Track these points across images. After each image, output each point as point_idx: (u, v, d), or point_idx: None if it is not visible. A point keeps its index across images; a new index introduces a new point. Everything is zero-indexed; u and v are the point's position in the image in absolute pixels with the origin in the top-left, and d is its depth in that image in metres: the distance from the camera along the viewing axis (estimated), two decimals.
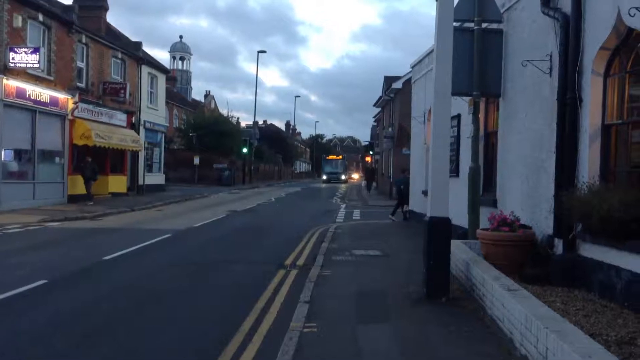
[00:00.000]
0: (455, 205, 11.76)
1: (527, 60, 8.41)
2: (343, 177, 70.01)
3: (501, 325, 5.76)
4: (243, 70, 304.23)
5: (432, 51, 9.73)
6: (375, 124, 54.86)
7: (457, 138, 12.93)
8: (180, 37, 73.36)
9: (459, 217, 11.40)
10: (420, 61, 17.39)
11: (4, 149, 19.49)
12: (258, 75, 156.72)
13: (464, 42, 9.58)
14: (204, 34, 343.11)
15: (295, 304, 7.41)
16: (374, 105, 45.99)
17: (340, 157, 79.54)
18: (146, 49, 33.13)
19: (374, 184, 43.34)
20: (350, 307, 7.32)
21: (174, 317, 7.13)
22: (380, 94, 40.37)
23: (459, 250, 8.61)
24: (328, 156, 79.59)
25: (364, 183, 47.09)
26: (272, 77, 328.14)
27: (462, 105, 11.43)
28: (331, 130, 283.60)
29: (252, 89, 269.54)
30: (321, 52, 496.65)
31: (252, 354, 5.77)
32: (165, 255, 11.94)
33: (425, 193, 13.76)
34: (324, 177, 69.62)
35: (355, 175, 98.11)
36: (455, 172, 12.89)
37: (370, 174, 45.40)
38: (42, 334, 6.32)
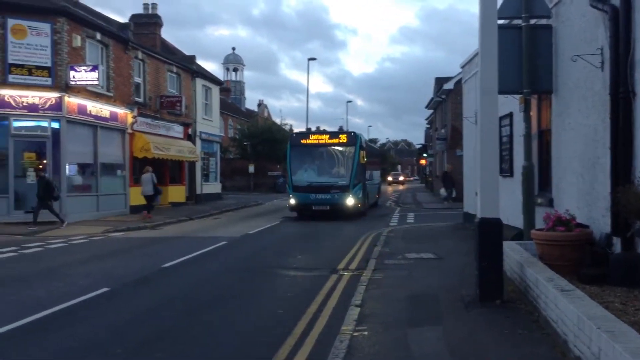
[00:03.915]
0: (510, 206, 11.61)
1: (578, 55, 8.20)
2: (350, 199, 21.58)
3: (555, 327, 5.64)
4: (286, 78, 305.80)
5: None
6: (429, 126, 54.33)
7: (510, 137, 12.71)
8: (233, 48, 75.03)
9: (514, 217, 11.21)
10: (469, 61, 17.16)
11: (68, 164, 20.42)
12: (303, 82, 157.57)
13: (512, 39, 9.44)
14: (244, 44, 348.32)
15: (346, 307, 7.47)
16: (426, 107, 45.58)
17: (344, 137, 22.94)
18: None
19: (454, 192, 30.02)
20: (401, 310, 7.31)
21: (229, 323, 7.31)
22: (432, 96, 40.00)
23: (512, 251, 8.46)
24: (303, 138, 23.60)
25: (442, 191, 31.76)
26: (316, 83, 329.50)
27: (514, 103, 11.24)
28: (381, 134, 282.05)
29: (297, 95, 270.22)
30: (362, 56, 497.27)
31: (304, 356, 5.86)
32: (221, 262, 12.23)
33: (477, 194, 13.58)
34: (292, 201, 22.33)
35: (401, 177, 79.39)
36: (509, 171, 12.68)
37: (448, 179, 30.79)
38: (102, 340, 6.60)
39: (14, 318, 7.36)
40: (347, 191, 21.37)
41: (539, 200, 10.22)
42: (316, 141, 22.92)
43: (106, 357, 6.00)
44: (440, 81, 35.60)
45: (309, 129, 41.01)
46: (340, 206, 21.33)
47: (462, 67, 18.75)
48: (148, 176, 21.87)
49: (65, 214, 19.48)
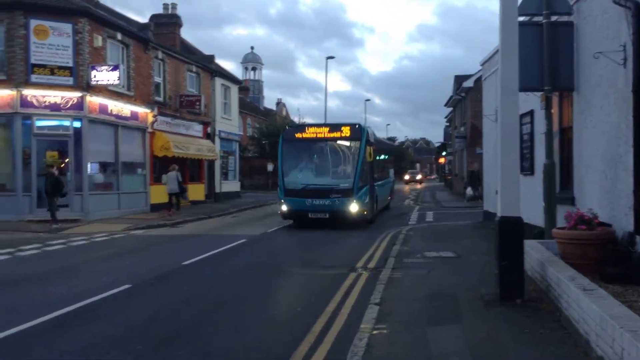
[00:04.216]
0: (531, 204, 11.50)
1: (600, 52, 8.09)
2: (354, 205, 17.84)
3: (577, 327, 5.58)
4: (303, 76, 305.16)
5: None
6: (448, 124, 53.97)
7: (531, 135, 12.59)
8: (252, 47, 74.94)
9: (535, 216, 11.10)
10: (489, 58, 17.04)
11: (90, 162, 20.68)
12: (321, 80, 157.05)
13: (532, 36, 9.34)
14: (261, 43, 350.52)
15: (365, 306, 7.46)
16: (445, 105, 45.29)
17: (347, 130, 18.96)
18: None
19: (479, 190, 26.64)
20: (420, 309, 7.28)
21: (248, 320, 7.34)
22: (451, 94, 39.75)
23: (534, 250, 8.39)
24: (298, 132, 19.72)
25: (469, 190, 29.48)
26: (334, 81, 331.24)
27: (534, 101, 11.12)
28: (400, 132, 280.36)
29: (314, 94, 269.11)
30: (379, 54, 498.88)
31: (323, 354, 5.87)
32: (241, 260, 12.30)
33: (497, 192, 13.48)
34: (283, 207, 18.58)
35: (418, 176, 77.99)
36: (529, 170, 12.56)
37: (475, 179, 28.78)
38: (124, 337, 6.68)
39: (37, 314, 7.47)
40: (350, 195, 17.73)
41: (561, 199, 10.11)
42: (313, 135, 19.10)
43: (127, 354, 6.06)
44: (459, 79, 35.36)
45: None
46: (342, 213, 17.81)
47: (482, 64, 18.63)
48: (173, 174, 22.46)
49: (87, 212, 19.80)
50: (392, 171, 29.86)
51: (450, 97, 40.53)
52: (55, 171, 18.36)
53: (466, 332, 6.20)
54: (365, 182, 18.50)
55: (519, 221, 7.25)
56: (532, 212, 11.39)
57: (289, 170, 18.86)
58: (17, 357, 6.05)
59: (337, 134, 18.99)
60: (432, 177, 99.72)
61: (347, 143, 19.01)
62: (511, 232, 7.23)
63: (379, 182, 22.00)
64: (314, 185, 18.21)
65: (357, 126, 18.94)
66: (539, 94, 10.16)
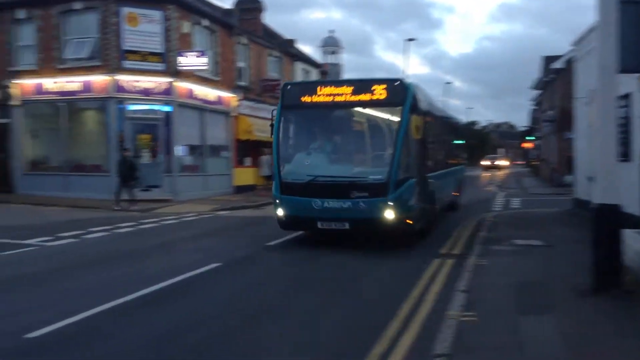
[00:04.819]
0: (627, 192, 10.89)
1: None
2: (390, 211, 10.57)
3: None
4: (381, 60, 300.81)
5: (595, 27, 9.06)
6: (536, 107, 51.88)
7: (627, 119, 11.92)
8: (332, 31, 74.83)
9: (633, 204, 10.55)
10: (582, 38, 16.20)
11: (179, 145, 21.52)
12: (398, 63, 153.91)
13: (632, 14, 8.79)
14: (338, 26, 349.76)
15: (451, 293, 7.38)
16: (532, 87, 43.58)
17: (380, 91, 11.03)
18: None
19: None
20: (510, 298, 7.12)
21: (331, 303, 7.43)
22: (537, 75, 38.21)
23: (632, 239, 7.99)
24: (304, 94, 11.74)
25: (570, 178, 23.05)
26: (412, 64, 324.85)
27: (631, 83, 10.53)
28: (481, 116, 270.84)
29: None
30: (459, 35, 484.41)
31: (410, 340, 5.86)
32: (320, 243, 12.40)
33: (590, 179, 12.89)
34: (280, 211, 11.52)
35: (504, 162, 73.12)
36: (625, 156, 11.92)
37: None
38: (214, 314, 6.93)
39: (133, 289, 7.84)
40: (384, 194, 10.68)
41: None
42: (328, 99, 11.56)
43: (218, 330, 6.29)
44: (548, 60, 33.92)
45: None
46: (370, 223, 10.91)
47: (574, 45, 17.74)
48: (265, 158, 25.34)
49: (176, 192, 20.68)
50: (462, 156, 21.90)
51: (539, 79, 38.97)
52: (129, 155, 18.87)
53: (558, 322, 6.03)
54: (411, 172, 11.29)
55: (618, 209, 6.93)
56: (629, 200, 10.82)
57: (289, 154, 12.32)
58: (113, 330, 6.32)
59: (365, 97, 11.39)
60: (520, 162, 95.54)
61: (381, 111, 11.96)
62: (608, 220, 6.93)
63: (437, 172, 14.25)
64: (327, 177, 11.25)
65: (397, 83, 11.40)
66: (638, 75, 9.61)
